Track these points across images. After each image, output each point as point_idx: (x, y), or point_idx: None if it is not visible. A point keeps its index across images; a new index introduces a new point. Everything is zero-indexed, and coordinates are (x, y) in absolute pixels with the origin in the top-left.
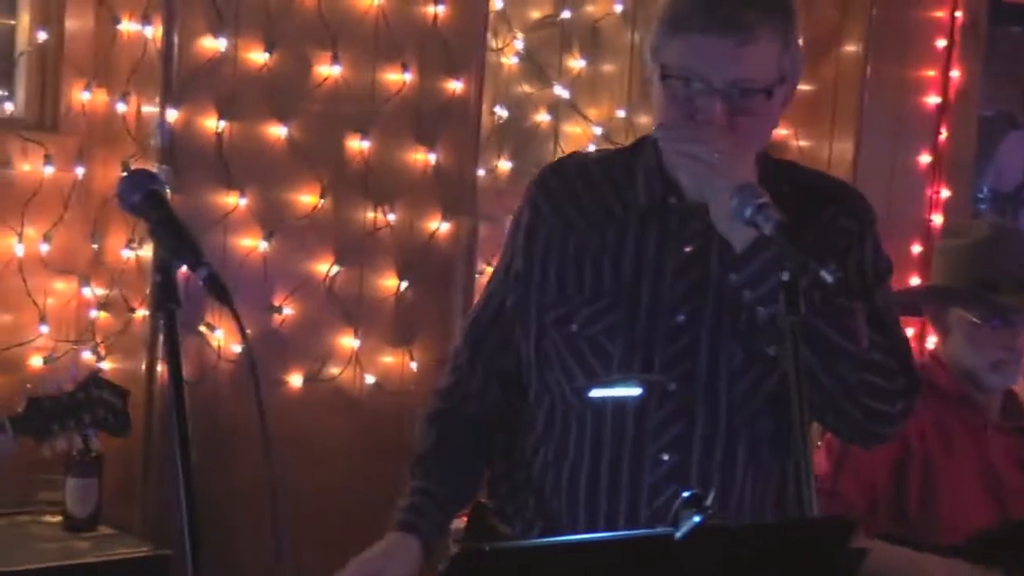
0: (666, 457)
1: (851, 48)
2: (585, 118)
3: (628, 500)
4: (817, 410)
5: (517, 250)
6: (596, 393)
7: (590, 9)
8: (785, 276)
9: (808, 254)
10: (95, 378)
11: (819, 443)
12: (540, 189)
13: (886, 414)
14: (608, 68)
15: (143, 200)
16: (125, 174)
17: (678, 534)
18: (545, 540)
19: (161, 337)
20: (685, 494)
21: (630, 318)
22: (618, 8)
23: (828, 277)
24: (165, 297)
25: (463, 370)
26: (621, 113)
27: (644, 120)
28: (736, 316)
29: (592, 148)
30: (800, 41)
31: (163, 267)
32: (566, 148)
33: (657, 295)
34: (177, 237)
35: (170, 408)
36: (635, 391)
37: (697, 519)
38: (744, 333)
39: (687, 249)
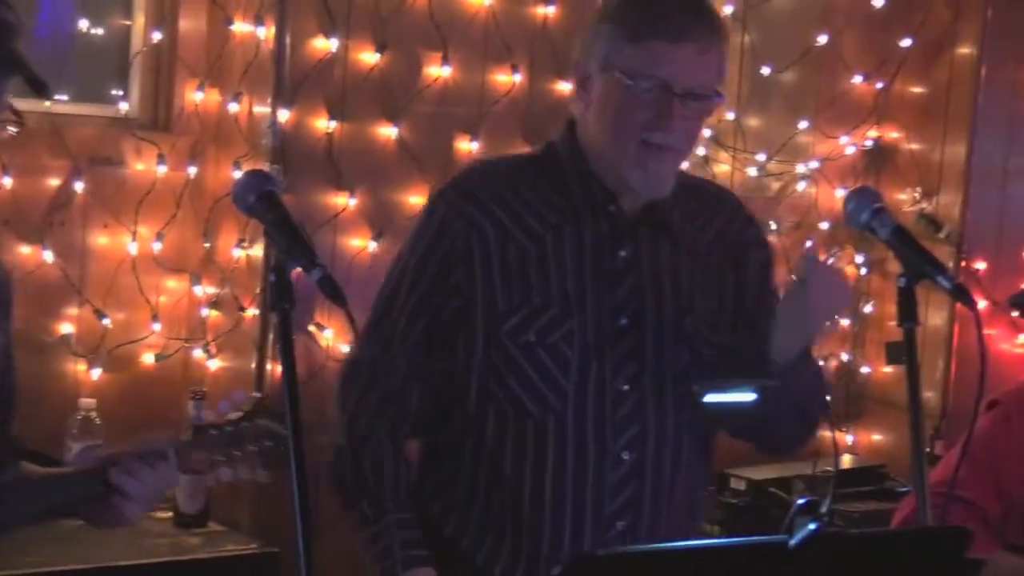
0: (626, 456)
1: (965, 50)
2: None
3: (593, 499)
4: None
5: (450, 263)
6: (711, 398)
7: None
8: (902, 282)
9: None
10: (259, 405)
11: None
12: (465, 199)
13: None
14: None
15: (258, 201)
16: (241, 175)
17: (793, 541)
18: (658, 546)
19: (272, 336)
20: (800, 501)
21: (581, 323)
22: (728, 9)
23: (946, 283)
24: (279, 297)
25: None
26: (730, 115)
27: (753, 123)
28: (680, 319)
29: (700, 151)
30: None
31: (278, 268)
32: None
33: (600, 299)
34: (291, 238)
35: (284, 408)
36: (750, 396)
37: (812, 526)
38: (691, 336)
39: (622, 254)
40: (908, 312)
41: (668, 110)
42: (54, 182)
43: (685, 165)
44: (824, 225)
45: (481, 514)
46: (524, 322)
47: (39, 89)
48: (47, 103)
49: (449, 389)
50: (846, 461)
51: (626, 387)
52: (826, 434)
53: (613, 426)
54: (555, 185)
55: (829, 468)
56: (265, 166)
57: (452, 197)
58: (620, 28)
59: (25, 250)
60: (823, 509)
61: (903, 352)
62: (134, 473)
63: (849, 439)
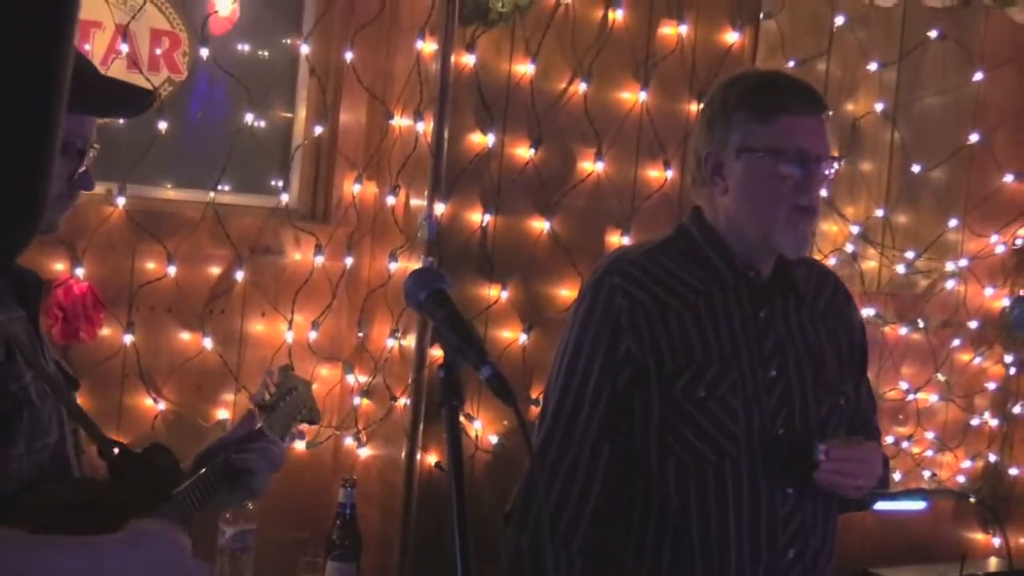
0: (790, 491)
1: None
2: (842, 216)
3: (768, 530)
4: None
5: (619, 338)
6: (881, 506)
7: (850, 107)
8: None
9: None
10: (288, 374)
11: None
12: (623, 279)
13: None
14: (867, 167)
15: (429, 298)
16: (411, 272)
17: None
18: None
19: (422, 426)
20: None
21: (740, 376)
22: (879, 107)
23: None
24: (450, 394)
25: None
26: (879, 212)
27: (903, 219)
28: (816, 370)
29: (848, 248)
30: None
31: (447, 365)
32: (822, 247)
33: (751, 354)
34: (462, 335)
35: (450, 503)
36: (921, 504)
37: None
38: (827, 385)
39: (761, 314)
40: None
41: (809, 174)
42: (215, 270)
43: (833, 262)
44: (973, 324)
45: (671, 557)
46: (693, 380)
47: (139, 106)
48: (211, 194)
49: (625, 454)
50: (992, 564)
51: (781, 431)
52: (974, 536)
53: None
54: (695, 260)
55: (976, 572)
56: (420, 258)
57: (610, 280)
58: (750, 114)
59: (186, 336)
60: None
61: None
62: (252, 451)
63: (996, 542)
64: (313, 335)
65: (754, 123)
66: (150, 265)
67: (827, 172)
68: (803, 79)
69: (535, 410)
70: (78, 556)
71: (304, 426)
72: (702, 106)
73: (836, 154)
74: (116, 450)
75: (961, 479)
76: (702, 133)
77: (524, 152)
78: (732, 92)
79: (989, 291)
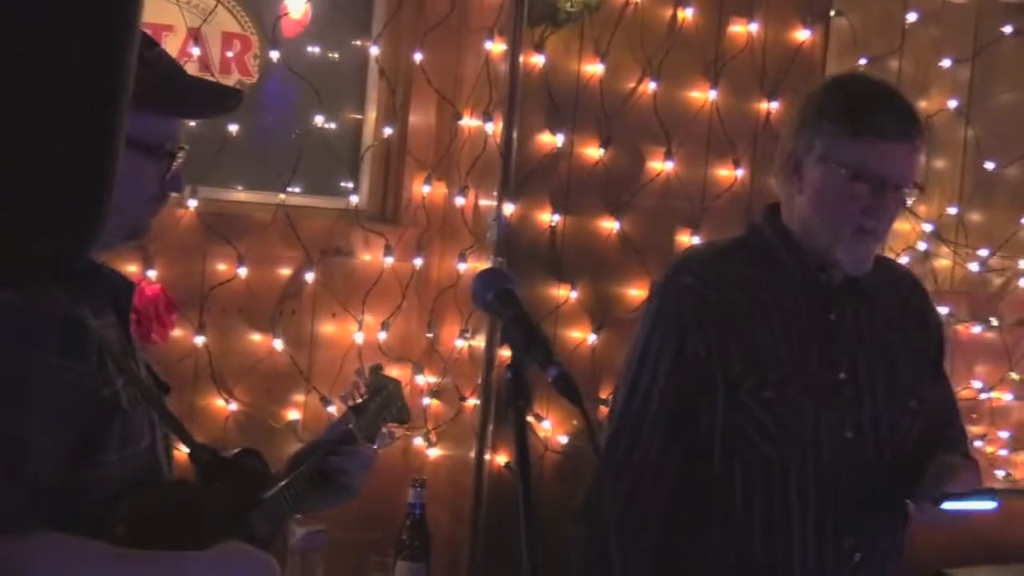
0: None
1: None
2: (915, 215)
3: (834, 533)
4: None
5: (686, 337)
6: (949, 506)
7: (923, 104)
8: None
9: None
10: (378, 374)
11: None
12: (692, 278)
13: None
14: (940, 164)
15: (496, 298)
16: (479, 273)
17: None
18: None
19: (491, 427)
20: None
21: (809, 379)
22: (952, 104)
23: None
24: (516, 394)
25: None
26: (952, 210)
27: (976, 218)
28: (888, 375)
29: (921, 246)
30: None
31: (514, 365)
32: (894, 246)
33: (820, 357)
34: (529, 336)
35: (519, 504)
36: (991, 504)
37: None
38: (900, 388)
39: (832, 317)
40: None
41: (882, 201)
42: (286, 272)
43: (905, 260)
44: None
45: (737, 558)
46: (760, 380)
47: (227, 106)
48: (281, 196)
49: (691, 455)
50: None
51: (850, 435)
52: None
53: (845, 467)
54: (767, 260)
55: None
56: (489, 258)
57: (679, 278)
58: (841, 126)
59: (256, 338)
60: None
61: None
62: (346, 454)
63: None
64: (383, 336)
65: (843, 135)
66: (221, 267)
67: (902, 199)
68: (906, 100)
69: (604, 410)
70: (168, 573)
71: (394, 426)
72: (801, 101)
73: (919, 181)
74: (207, 455)
75: None
76: (791, 130)
77: (593, 152)
78: (830, 97)
79: None
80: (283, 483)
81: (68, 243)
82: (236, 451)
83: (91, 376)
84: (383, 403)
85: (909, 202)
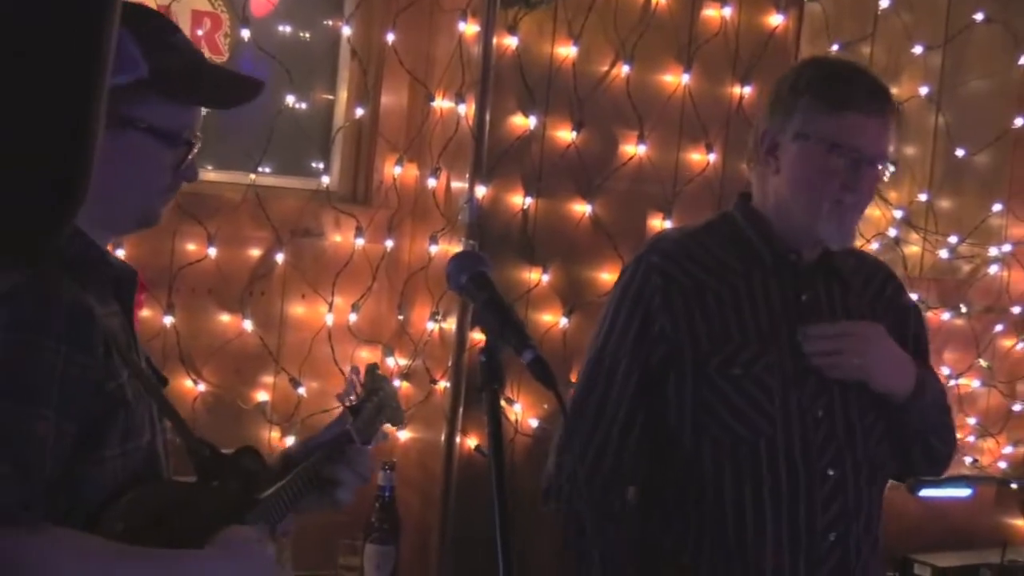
0: (831, 472)
1: None
2: (886, 201)
3: (807, 512)
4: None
5: (653, 315)
6: (926, 493)
7: (895, 91)
8: None
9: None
10: (374, 374)
11: None
12: (661, 258)
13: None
14: (910, 151)
15: (470, 280)
16: (453, 255)
17: None
18: None
19: (461, 410)
20: None
21: (778, 357)
22: (923, 91)
23: None
24: (490, 378)
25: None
26: (923, 197)
27: (946, 204)
28: None
29: (891, 232)
30: None
31: (488, 349)
32: (864, 231)
33: (791, 336)
34: (503, 319)
35: (493, 486)
36: (966, 491)
37: None
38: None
39: (803, 298)
40: None
41: (858, 175)
42: (256, 252)
43: (875, 247)
44: (1016, 309)
45: (710, 541)
46: (729, 358)
47: (249, 95)
48: (252, 176)
49: (661, 436)
50: None
51: (821, 414)
52: (1015, 522)
53: (816, 446)
54: (737, 242)
55: (1017, 558)
56: (461, 241)
57: (648, 259)
58: (818, 101)
59: (225, 318)
60: None
61: None
62: (340, 462)
63: None
64: (353, 318)
65: (819, 111)
66: (191, 247)
67: (882, 175)
68: (877, 76)
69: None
70: (169, 570)
71: (387, 427)
72: (773, 84)
73: (892, 156)
74: (206, 452)
75: (1003, 465)
76: (766, 111)
77: (566, 135)
78: (804, 76)
79: None
80: (279, 484)
81: (44, 220)
82: (235, 449)
83: (97, 369)
84: (379, 404)
85: (885, 178)
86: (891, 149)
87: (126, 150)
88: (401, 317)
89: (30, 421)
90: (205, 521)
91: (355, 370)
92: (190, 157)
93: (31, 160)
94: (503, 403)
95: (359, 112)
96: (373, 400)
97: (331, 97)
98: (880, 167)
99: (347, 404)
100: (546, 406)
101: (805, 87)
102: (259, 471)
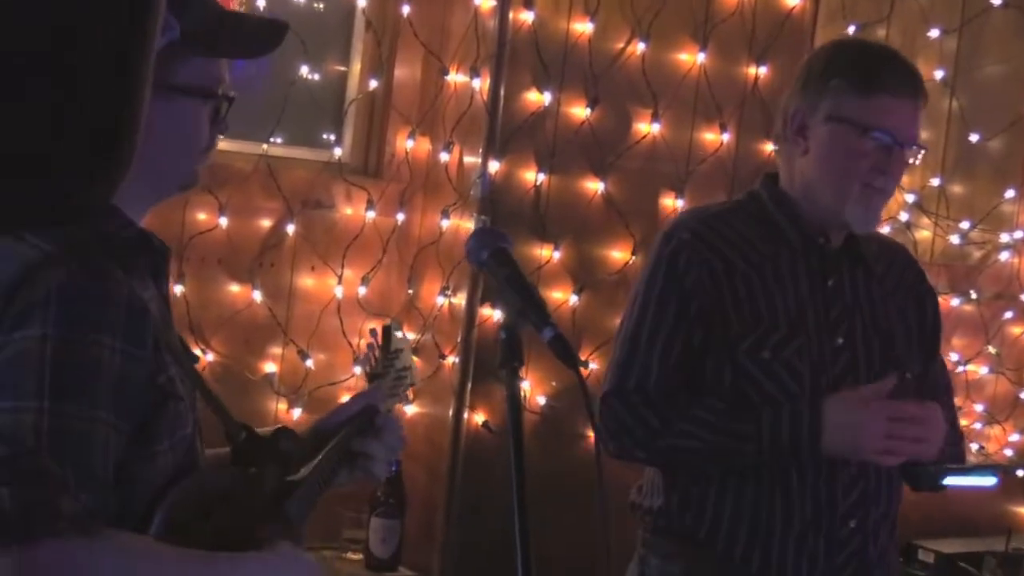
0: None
1: None
2: (898, 184)
3: (828, 498)
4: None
5: (688, 297)
6: (950, 481)
7: None
8: None
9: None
10: (392, 335)
11: None
12: (693, 237)
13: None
14: (924, 135)
15: (491, 257)
16: (473, 231)
17: None
18: None
19: (470, 385)
20: None
21: (806, 341)
22: (938, 75)
23: None
24: (510, 355)
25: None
26: (935, 181)
27: (958, 189)
28: (884, 342)
29: (903, 217)
30: None
31: (508, 326)
32: None
33: (818, 321)
34: (524, 296)
35: (510, 465)
36: (991, 480)
37: None
38: (895, 358)
39: (830, 282)
40: None
41: (888, 159)
42: (266, 223)
43: (886, 230)
44: None
45: (733, 520)
46: (759, 342)
47: (273, 42)
48: (264, 146)
49: None
50: None
51: None
52: (1020, 509)
53: None
54: (764, 224)
55: (1021, 546)
56: (473, 216)
57: (680, 237)
58: (850, 84)
59: (235, 288)
60: None
61: None
62: (370, 434)
63: None
64: (362, 291)
65: (850, 93)
66: (201, 216)
67: (910, 159)
68: (908, 60)
69: (586, 372)
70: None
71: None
72: (802, 63)
73: (921, 143)
74: (244, 435)
75: (1009, 452)
76: (795, 90)
77: (580, 112)
78: (835, 57)
79: None
80: (313, 464)
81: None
82: (272, 431)
83: (150, 364)
84: (401, 368)
85: (915, 162)
86: (919, 133)
87: (166, 112)
88: (411, 291)
89: (92, 425)
90: (249, 512)
91: (373, 333)
92: (222, 112)
93: (83, 125)
94: None
95: (372, 84)
96: (395, 364)
97: (344, 68)
98: (910, 150)
99: (367, 371)
100: (554, 384)
101: (836, 69)
102: (294, 452)
